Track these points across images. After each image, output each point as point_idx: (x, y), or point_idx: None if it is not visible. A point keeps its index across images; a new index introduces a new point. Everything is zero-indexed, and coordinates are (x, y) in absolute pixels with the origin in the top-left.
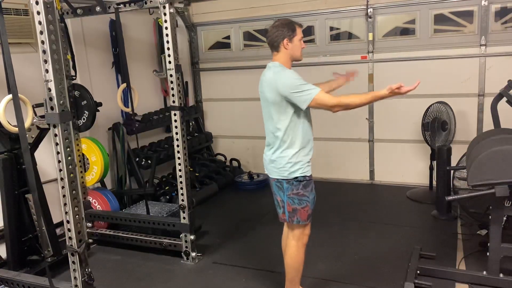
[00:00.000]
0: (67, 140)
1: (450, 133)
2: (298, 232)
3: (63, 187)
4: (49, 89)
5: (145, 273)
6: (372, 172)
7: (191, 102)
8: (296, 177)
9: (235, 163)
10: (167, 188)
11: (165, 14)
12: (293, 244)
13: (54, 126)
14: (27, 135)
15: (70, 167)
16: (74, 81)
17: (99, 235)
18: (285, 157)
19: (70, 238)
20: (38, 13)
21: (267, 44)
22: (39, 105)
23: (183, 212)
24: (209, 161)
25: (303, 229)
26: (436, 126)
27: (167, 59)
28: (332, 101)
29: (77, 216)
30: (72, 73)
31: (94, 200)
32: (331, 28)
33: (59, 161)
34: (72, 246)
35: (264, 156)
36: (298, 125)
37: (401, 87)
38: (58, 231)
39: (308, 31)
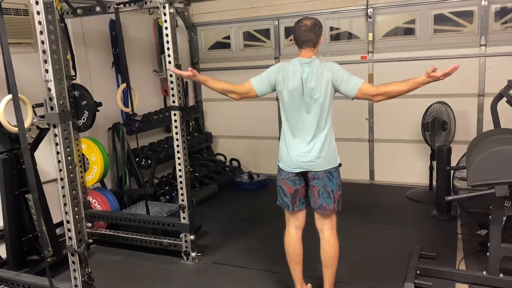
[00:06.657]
0: (67, 140)
1: (450, 133)
2: (335, 219)
3: (63, 187)
4: (49, 89)
5: (145, 273)
6: (372, 172)
7: (191, 102)
8: (340, 163)
9: (235, 163)
10: (167, 188)
11: (165, 14)
12: (334, 234)
13: (54, 126)
14: (27, 135)
15: (70, 167)
16: (74, 81)
17: (99, 235)
18: (333, 145)
19: (70, 238)
20: (38, 13)
21: (304, 42)
22: (39, 105)
23: (183, 212)
24: (209, 161)
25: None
26: (436, 126)
27: (167, 59)
28: (374, 90)
29: (77, 216)
30: (72, 73)
31: (94, 200)
32: (331, 28)
33: (59, 161)
34: (72, 246)
35: (299, 154)
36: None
37: (436, 70)
38: (58, 231)
39: None
